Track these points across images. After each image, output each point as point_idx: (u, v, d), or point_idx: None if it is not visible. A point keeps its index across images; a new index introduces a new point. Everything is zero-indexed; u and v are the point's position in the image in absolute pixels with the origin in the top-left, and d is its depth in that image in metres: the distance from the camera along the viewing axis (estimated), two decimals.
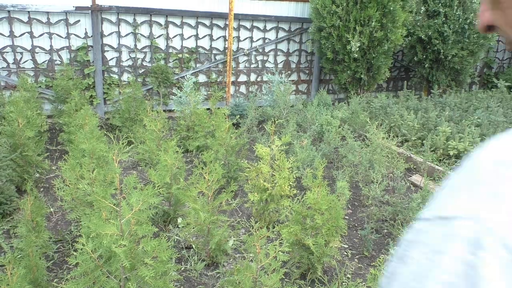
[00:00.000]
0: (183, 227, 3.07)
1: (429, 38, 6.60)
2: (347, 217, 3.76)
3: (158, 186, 3.31)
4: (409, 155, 4.75)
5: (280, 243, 2.42)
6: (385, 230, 3.50)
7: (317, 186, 2.74)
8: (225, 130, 4.00)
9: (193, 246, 3.02)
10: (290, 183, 3.38)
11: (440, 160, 4.64)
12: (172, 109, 6.10)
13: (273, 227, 3.45)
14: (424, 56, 6.81)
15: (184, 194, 2.80)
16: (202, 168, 2.83)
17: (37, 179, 3.99)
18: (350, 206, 3.95)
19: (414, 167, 4.70)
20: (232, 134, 4.05)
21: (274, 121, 3.50)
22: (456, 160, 4.55)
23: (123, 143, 1.98)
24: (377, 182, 3.55)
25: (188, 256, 2.96)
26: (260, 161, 3.38)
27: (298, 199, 3.30)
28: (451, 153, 4.61)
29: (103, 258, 2.14)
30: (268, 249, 2.26)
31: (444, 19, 6.47)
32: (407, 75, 8.02)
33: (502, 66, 8.96)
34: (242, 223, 3.55)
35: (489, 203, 0.36)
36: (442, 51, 6.58)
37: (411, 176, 4.56)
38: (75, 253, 2.14)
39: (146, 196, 1.99)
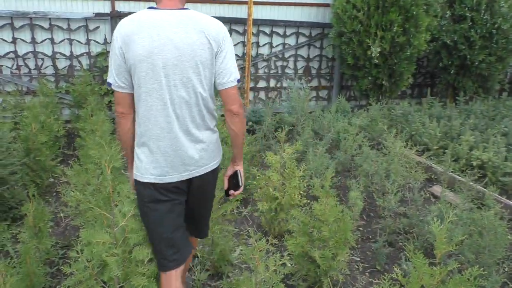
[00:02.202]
0: None
1: (455, 43, 6.38)
2: (360, 229, 3.62)
3: None
4: (429, 165, 4.57)
5: (282, 256, 2.33)
6: (400, 243, 3.35)
7: (325, 196, 2.63)
8: None
9: (198, 255, 2.95)
10: (301, 192, 3.28)
11: (463, 170, 4.44)
12: None
13: (282, 237, 3.35)
14: (450, 62, 6.58)
15: None
16: None
17: (51, 184, 4.02)
18: (365, 217, 3.81)
19: (435, 177, 4.51)
20: (245, 141, 3.98)
21: (283, 128, 3.40)
22: (480, 171, 4.34)
23: (116, 149, 1.93)
24: (392, 193, 3.41)
25: (193, 265, 2.89)
26: (270, 169, 3.29)
27: (306, 209, 3.19)
28: (474, 163, 4.40)
29: (99, 267, 2.10)
30: (268, 263, 2.16)
31: (470, 23, 6.24)
32: (433, 82, 7.78)
33: None
34: (252, 232, 3.47)
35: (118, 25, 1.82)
36: (468, 56, 6.34)
37: (431, 186, 4.38)
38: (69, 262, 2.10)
39: None
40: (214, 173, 2.06)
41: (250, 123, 5.78)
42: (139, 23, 1.77)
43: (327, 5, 6.60)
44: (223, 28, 1.87)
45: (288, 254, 2.85)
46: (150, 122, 1.85)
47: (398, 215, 3.60)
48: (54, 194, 3.91)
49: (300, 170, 3.27)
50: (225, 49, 1.86)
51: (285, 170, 3.28)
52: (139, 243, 1.96)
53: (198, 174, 1.96)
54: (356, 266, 3.11)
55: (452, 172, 4.22)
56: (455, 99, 6.87)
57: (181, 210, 2.02)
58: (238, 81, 1.92)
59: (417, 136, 5.14)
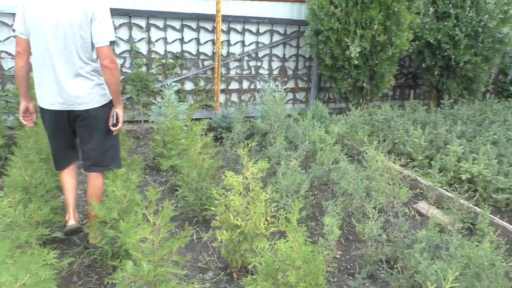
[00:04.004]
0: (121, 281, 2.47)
1: (439, 42, 5.98)
2: (338, 256, 3.16)
3: (104, 222, 2.74)
4: (415, 178, 4.13)
5: None
6: (382, 274, 2.89)
7: (292, 232, 2.15)
8: (197, 149, 3.43)
9: None
10: (268, 218, 2.80)
11: (451, 184, 4.02)
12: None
13: (247, 271, 2.87)
14: (433, 63, 6.18)
15: (124, 240, 2.23)
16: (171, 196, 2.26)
17: None
18: (343, 241, 3.35)
19: (420, 191, 4.08)
20: (206, 154, 3.47)
21: (254, 138, 2.92)
22: (470, 186, 3.92)
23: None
24: (373, 218, 2.95)
25: None
26: (231, 191, 2.79)
27: (270, 245, 2.70)
28: (463, 177, 3.98)
29: None
30: None
31: (455, 21, 5.85)
32: (415, 83, 7.39)
33: None
34: (211, 264, 2.98)
35: None
36: (453, 57, 5.95)
37: (416, 202, 3.95)
38: None
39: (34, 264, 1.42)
40: (92, 111, 2.71)
41: (220, 129, 5.28)
42: None
43: (302, 0, 6.12)
44: (97, 1, 2.55)
45: None
46: (39, 65, 2.59)
47: (380, 242, 3.15)
48: None
49: (268, 192, 2.78)
50: (99, 17, 2.53)
51: (249, 193, 2.79)
52: None
53: (76, 109, 2.66)
54: None
55: (439, 186, 3.79)
56: (439, 102, 6.49)
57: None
58: (112, 42, 2.58)
59: (401, 145, 4.71)
